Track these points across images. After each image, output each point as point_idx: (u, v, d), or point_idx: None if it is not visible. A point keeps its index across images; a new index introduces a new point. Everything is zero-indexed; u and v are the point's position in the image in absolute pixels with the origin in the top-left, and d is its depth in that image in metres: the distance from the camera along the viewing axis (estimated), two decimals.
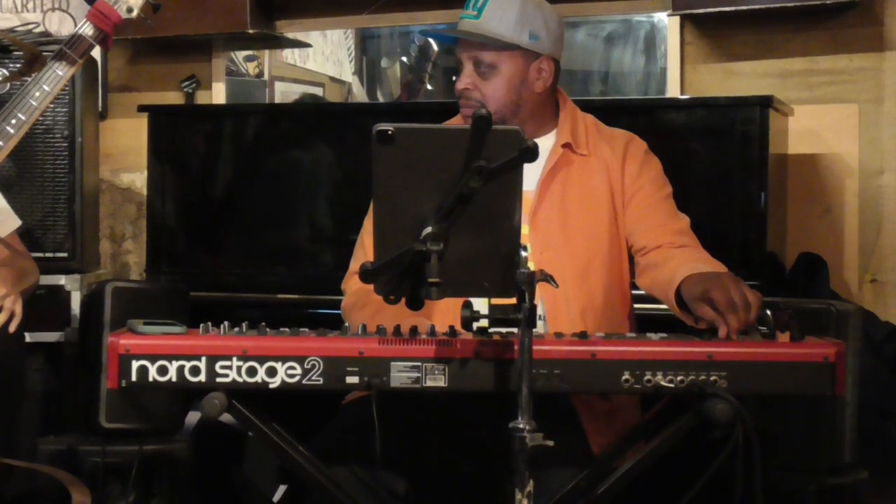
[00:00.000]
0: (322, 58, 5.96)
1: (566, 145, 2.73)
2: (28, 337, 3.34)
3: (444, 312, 2.51)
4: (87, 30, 2.94)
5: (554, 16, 2.76)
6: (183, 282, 3.57)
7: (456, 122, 2.80)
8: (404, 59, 5.50)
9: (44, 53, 3.00)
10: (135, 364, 2.16)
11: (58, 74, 2.91)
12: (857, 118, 3.86)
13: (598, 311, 2.67)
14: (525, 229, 2.67)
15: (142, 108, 4.00)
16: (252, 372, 2.15)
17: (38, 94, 2.91)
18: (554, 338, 2.25)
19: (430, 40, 5.33)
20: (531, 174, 2.69)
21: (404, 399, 2.23)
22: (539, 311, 2.62)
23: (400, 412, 2.35)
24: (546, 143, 2.74)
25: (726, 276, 2.37)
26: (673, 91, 4.07)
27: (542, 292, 2.58)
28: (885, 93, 3.83)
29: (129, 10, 2.95)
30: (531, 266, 2.61)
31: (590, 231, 2.69)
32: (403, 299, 2.05)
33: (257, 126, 3.97)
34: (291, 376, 2.15)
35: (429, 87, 5.38)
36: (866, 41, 3.84)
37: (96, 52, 3.96)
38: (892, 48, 3.82)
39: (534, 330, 2.01)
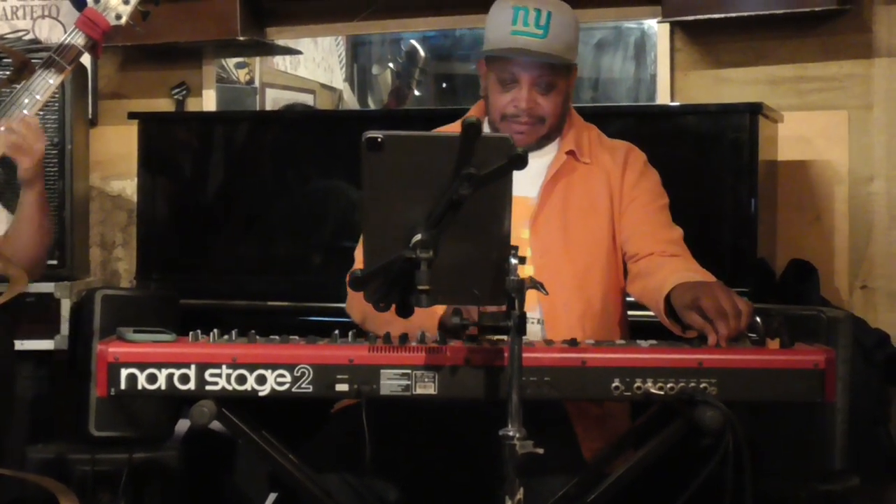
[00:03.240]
0: (313, 65, 5.95)
1: (570, 153, 2.74)
2: (17, 344, 3.33)
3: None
4: (77, 37, 2.93)
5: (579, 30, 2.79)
6: (173, 289, 3.56)
7: (448, 129, 2.79)
8: (391, 65, 5.50)
9: (33, 61, 2.99)
10: (124, 372, 2.15)
11: (47, 82, 2.91)
12: (847, 125, 3.87)
13: (595, 318, 2.68)
14: (525, 233, 2.68)
15: (132, 116, 3.99)
16: (241, 380, 2.15)
17: (27, 101, 2.91)
18: (544, 345, 2.25)
19: (417, 46, 5.32)
20: (534, 180, 2.72)
21: (395, 406, 2.23)
22: (538, 316, 2.63)
23: (391, 420, 2.35)
24: (551, 151, 2.76)
25: (716, 284, 2.37)
26: (663, 98, 4.08)
27: (541, 297, 2.59)
28: (874, 99, 3.84)
29: (118, 16, 2.94)
30: (529, 271, 2.63)
31: (590, 238, 2.70)
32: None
33: (248, 133, 3.97)
34: (281, 384, 2.15)
35: (416, 92, 5.37)
36: (855, 48, 3.85)
37: (86, 60, 3.96)
38: (881, 55, 3.83)
39: (531, 335, 2.01)
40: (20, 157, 2.87)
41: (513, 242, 2.62)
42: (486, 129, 2.77)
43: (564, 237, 2.69)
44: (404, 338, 2.22)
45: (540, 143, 2.73)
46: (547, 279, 2.62)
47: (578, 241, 2.69)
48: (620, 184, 2.74)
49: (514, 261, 2.01)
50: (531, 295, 2.58)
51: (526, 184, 2.71)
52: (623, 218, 2.72)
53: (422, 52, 5.32)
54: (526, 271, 2.64)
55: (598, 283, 2.69)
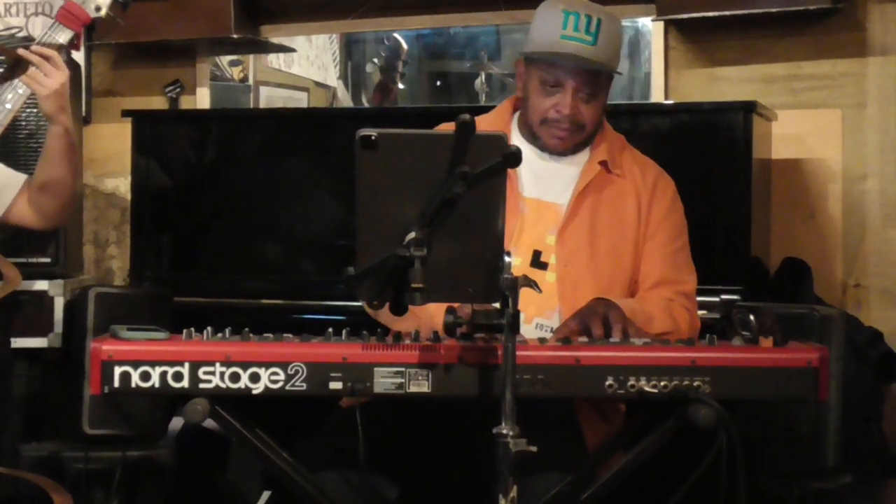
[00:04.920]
0: (307, 62, 5.96)
1: (602, 163, 2.74)
2: (11, 342, 3.33)
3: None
4: (56, 30, 2.94)
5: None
6: (166, 287, 3.56)
7: (445, 128, 2.79)
8: (375, 60, 5.50)
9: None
10: (117, 370, 2.15)
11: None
12: (841, 123, 3.88)
13: None
14: (551, 240, 2.68)
15: (126, 113, 3.99)
16: (235, 378, 2.15)
17: (10, 96, 2.91)
18: (538, 343, 2.25)
19: (400, 39, 5.31)
20: (564, 187, 2.73)
21: (391, 405, 2.23)
22: (554, 325, 2.63)
23: (387, 418, 2.35)
24: (581, 159, 2.76)
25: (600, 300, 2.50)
26: (657, 96, 4.08)
27: (563, 308, 2.59)
28: (867, 98, 3.85)
29: (98, 8, 2.95)
30: (551, 278, 2.63)
31: (614, 254, 2.70)
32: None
33: (242, 131, 3.97)
34: (275, 382, 2.15)
35: (401, 86, 5.37)
36: (849, 46, 3.85)
37: (80, 58, 3.96)
38: (875, 53, 3.83)
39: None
40: (35, 87, 2.87)
41: (537, 247, 2.67)
42: (514, 127, 2.78)
43: (590, 250, 2.69)
44: (398, 336, 2.22)
45: (574, 149, 2.74)
46: (569, 289, 2.63)
47: (604, 255, 2.69)
48: (648, 209, 2.74)
49: (507, 259, 2.01)
50: (549, 303, 2.61)
51: (555, 190, 2.72)
52: (644, 246, 2.73)
53: (405, 46, 5.31)
54: (548, 278, 2.65)
55: (619, 298, 2.68)
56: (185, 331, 2.22)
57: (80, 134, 4.07)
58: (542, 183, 2.72)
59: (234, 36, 4.29)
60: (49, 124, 2.95)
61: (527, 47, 2.74)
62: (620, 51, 2.73)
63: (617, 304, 2.48)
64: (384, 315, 2.53)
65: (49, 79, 2.86)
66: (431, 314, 2.45)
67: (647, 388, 2.16)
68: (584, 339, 2.32)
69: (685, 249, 2.79)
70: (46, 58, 2.87)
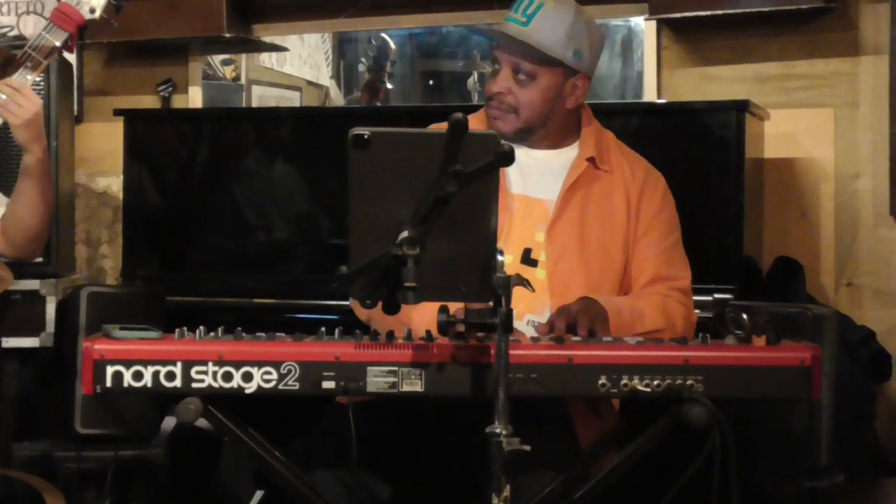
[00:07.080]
0: (299, 62, 5.95)
1: (590, 159, 2.74)
2: (3, 342, 3.32)
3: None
4: (51, 32, 2.94)
5: (599, 35, 2.77)
6: (159, 286, 3.56)
7: (440, 127, 2.79)
8: (363, 59, 5.50)
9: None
10: (110, 369, 2.14)
11: (24, 78, 2.91)
12: (833, 122, 3.88)
13: None
14: (540, 237, 2.67)
15: (118, 112, 3.98)
16: (228, 377, 2.14)
17: (4, 97, 2.91)
18: (531, 342, 2.25)
19: (388, 39, 5.33)
20: (551, 183, 2.72)
21: (385, 404, 2.23)
22: (545, 321, 2.62)
23: (381, 417, 2.35)
24: (568, 155, 2.76)
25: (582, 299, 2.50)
26: (650, 95, 4.08)
27: (554, 304, 2.59)
28: (860, 97, 3.85)
29: (92, 10, 2.95)
30: (541, 275, 2.63)
31: (604, 251, 2.70)
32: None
33: (234, 130, 3.97)
34: (267, 381, 2.14)
35: (389, 85, 5.38)
36: (842, 46, 3.86)
37: (71, 57, 3.95)
38: (867, 53, 3.84)
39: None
40: (8, 117, 2.86)
41: (526, 245, 2.67)
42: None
43: (580, 246, 2.68)
44: (391, 335, 2.22)
45: (522, 136, 2.72)
46: (559, 286, 2.63)
47: (593, 251, 2.69)
48: (638, 206, 2.73)
49: (500, 258, 2.01)
50: (540, 299, 2.61)
51: (543, 186, 2.72)
52: (637, 245, 2.73)
53: (392, 45, 5.32)
54: (538, 274, 2.64)
55: (609, 295, 2.68)
56: (177, 330, 2.22)
57: (71, 133, 4.06)
58: (530, 179, 2.72)
59: (227, 35, 4.28)
60: (23, 154, 2.93)
61: None
62: (572, 41, 2.68)
63: (596, 303, 2.48)
64: (377, 323, 2.53)
65: (21, 108, 2.85)
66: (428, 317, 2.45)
67: (640, 387, 2.16)
68: (577, 338, 2.33)
69: (678, 245, 2.78)
70: (16, 89, 2.86)
